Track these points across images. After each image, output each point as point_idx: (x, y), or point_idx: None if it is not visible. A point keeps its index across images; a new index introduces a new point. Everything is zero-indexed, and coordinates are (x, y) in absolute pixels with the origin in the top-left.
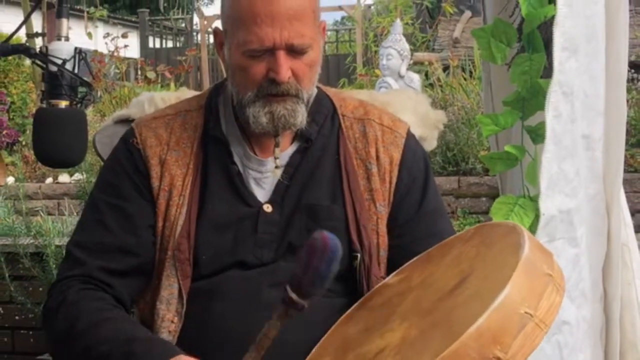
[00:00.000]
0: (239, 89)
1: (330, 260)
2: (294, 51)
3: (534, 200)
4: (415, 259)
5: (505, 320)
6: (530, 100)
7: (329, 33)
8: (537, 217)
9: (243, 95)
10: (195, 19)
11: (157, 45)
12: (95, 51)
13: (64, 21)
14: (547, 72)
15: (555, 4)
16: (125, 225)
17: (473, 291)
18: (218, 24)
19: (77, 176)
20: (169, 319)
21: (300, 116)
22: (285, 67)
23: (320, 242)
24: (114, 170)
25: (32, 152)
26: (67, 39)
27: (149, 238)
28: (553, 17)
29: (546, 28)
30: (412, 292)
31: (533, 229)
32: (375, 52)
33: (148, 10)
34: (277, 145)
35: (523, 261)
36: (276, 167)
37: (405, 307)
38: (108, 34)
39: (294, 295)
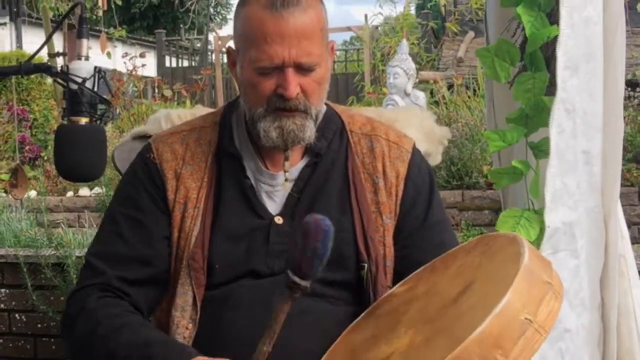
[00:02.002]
0: (250, 104)
1: (325, 239)
2: (302, 68)
3: (539, 213)
4: (420, 269)
5: (506, 326)
6: (533, 117)
7: (338, 53)
8: (542, 229)
9: (254, 110)
10: (210, 39)
11: (174, 65)
12: (114, 70)
13: (84, 41)
14: (548, 90)
15: (558, 25)
16: (141, 237)
17: (476, 299)
18: (232, 44)
19: (97, 190)
20: (184, 325)
21: (309, 131)
22: (294, 83)
23: (313, 223)
24: (131, 184)
25: (53, 166)
26: (87, 58)
27: (164, 249)
28: (554, 37)
29: (546, 47)
30: (418, 301)
31: (539, 241)
32: (383, 71)
33: (165, 31)
34: (286, 158)
35: (523, 270)
36: (286, 179)
37: (411, 315)
38: (126, 54)
39: (296, 279)
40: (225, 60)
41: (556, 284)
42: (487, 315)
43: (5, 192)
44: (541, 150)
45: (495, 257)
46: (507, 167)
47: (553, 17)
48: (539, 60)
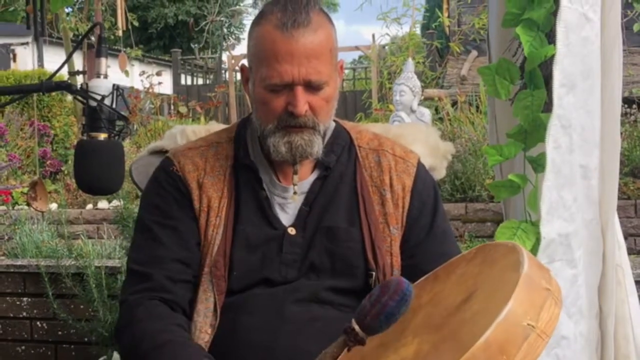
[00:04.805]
0: (261, 120)
1: (400, 300)
2: (311, 87)
3: (535, 225)
4: (423, 278)
5: (510, 332)
6: (531, 132)
7: (346, 71)
8: (538, 240)
9: (265, 126)
10: (224, 58)
11: (189, 82)
12: (132, 88)
13: (103, 60)
14: (547, 106)
15: (555, 44)
16: (178, 241)
17: (479, 307)
18: (245, 62)
19: (115, 203)
20: (204, 330)
21: (317, 146)
22: (303, 101)
23: (395, 282)
24: (159, 195)
25: (73, 180)
26: (105, 76)
27: (197, 254)
28: (552, 56)
29: (546, 66)
30: (422, 309)
31: (534, 251)
32: (389, 88)
33: (180, 50)
34: (295, 172)
35: (523, 277)
36: (294, 193)
37: (416, 323)
38: (143, 72)
39: (356, 327)
40: (238, 78)
41: (555, 290)
42: (491, 322)
43: (28, 204)
44: (539, 164)
45: (495, 265)
46: (505, 181)
47: (552, 38)
48: (537, 78)
